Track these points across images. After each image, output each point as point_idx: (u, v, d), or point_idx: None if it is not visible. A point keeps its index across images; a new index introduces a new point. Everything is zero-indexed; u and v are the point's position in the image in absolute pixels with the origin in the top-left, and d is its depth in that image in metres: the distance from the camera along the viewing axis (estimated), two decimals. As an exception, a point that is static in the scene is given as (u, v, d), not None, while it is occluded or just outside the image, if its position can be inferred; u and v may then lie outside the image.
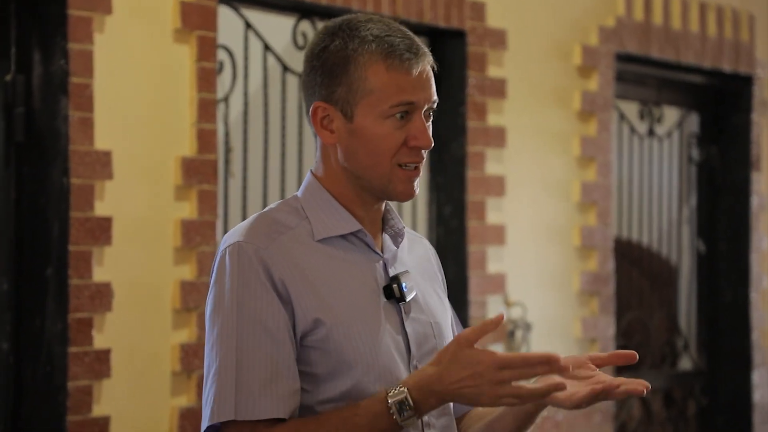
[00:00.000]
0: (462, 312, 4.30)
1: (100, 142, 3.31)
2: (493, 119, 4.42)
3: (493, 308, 4.43)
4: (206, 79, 3.53)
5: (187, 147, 3.50)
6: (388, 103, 1.96)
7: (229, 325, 1.93)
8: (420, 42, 2.02)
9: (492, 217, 4.42)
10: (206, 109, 3.53)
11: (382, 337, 1.97)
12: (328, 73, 1.98)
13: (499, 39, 4.42)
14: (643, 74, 5.17)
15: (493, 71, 4.41)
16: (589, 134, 4.78)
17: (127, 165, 3.36)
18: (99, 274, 3.30)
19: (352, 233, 2.01)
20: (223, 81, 3.73)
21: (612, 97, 4.85)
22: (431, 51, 4.68)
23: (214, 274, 1.98)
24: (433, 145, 2.00)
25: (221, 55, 3.70)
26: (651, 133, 5.33)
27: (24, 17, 3.28)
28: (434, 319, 2.07)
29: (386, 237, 2.06)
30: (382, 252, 2.04)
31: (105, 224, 3.31)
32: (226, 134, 3.77)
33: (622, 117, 5.16)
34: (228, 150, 3.78)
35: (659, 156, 5.40)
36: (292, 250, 1.96)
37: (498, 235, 4.44)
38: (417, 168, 2.00)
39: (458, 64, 4.31)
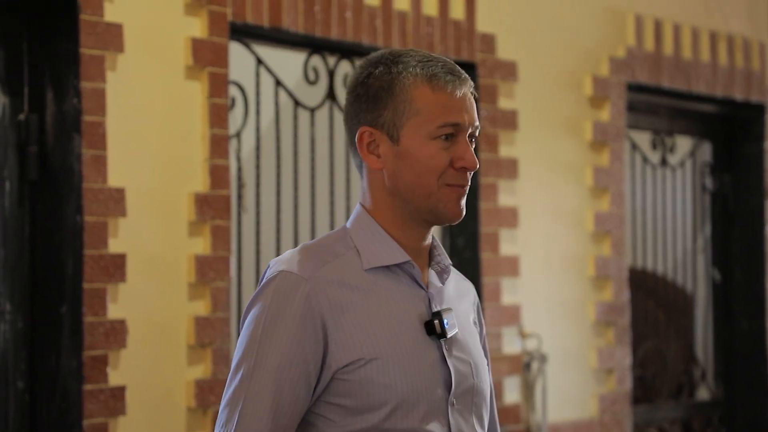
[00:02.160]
0: (477, 344, 4.29)
1: (113, 180, 3.32)
2: (505, 150, 4.42)
3: (509, 340, 4.42)
4: (218, 115, 3.55)
5: (200, 183, 3.52)
6: (434, 124, 1.99)
7: (248, 356, 1.95)
8: (461, 69, 2.05)
9: (505, 248, 4.42)
10: (218, 144, 3.54)
11: (419, 372, 1.98)
12: (373, 98, 2.01)
13: (509, 71, 4.43)
14: (655, 104, 5.18)
15: (504, 103, 4.42)
16: (601, 164, 4.78)
17: (141, 202, 3.37)
18: (113, 311, 3.30)
19: (398, 265, 2.02)
20: (235, 117, 3.75)
21: (624, 127, 4.85)
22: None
23: (252, 298, 2.01)
24: (478, 166, 2.02)
25: (233, 91, 3.72)
26: (664, 162, 5.33)
27: (36, 56, 3.31)
28: (473, 360, 2.07)
29: (432, 273, 2.07)
30: (427, 287, 2.05)
31: (119, 261, 3.32)
32: (239, 170, 3.78)
33: (634, 147, 5.16)
34: (241, 185, 3.80)
35: (672, 185, 5.39)
36: (336, 279, 1.98)
37: (512, 266, 4.43)
38: (464, 187, 2.02)
39: (469, 96, 4.32)
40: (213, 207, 3.52)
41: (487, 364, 2.17)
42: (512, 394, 4.42)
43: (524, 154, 4.49)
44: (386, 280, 2.01)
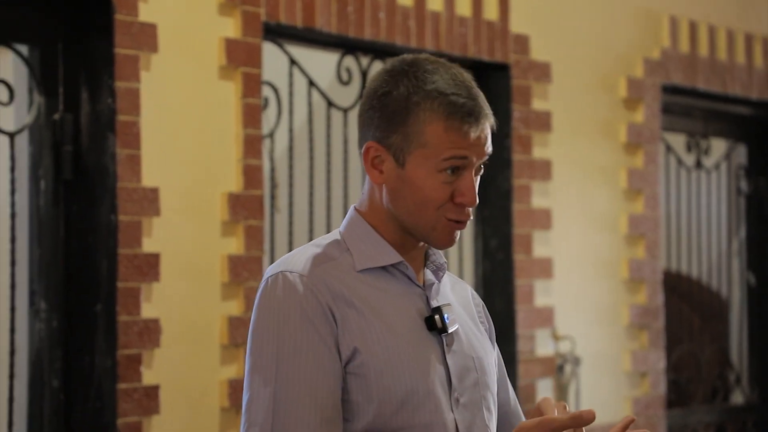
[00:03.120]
0: (510, 346, 4.27)
1: (148, 179, 3.33)
2: (538, 152, 4.41)
3: (542, 342, 4.40)
4: (251, 115, 3.55)
5: (234, 183, 3.52)
6: (441, 157, 1.96)
7: (268, 358, 1.92)
8: (484, 100, 2.00)
9: (539, 250, 4.40)
10: (252, 145, 3.55)
11: (424, 367, 1.96)
12: (386, 118, 1.98)
13: (543, 72, 4.42)
14: (690, 106, 5.15)
15: (537, 104, 4.41)
16: (635, 166, 4.76)
17: (175, 201, 3.38)
18: (147, 311, 3.31)
19: (392, 265, 2.02)
20: (269, 117, 3.75)
21: (658, 129, 4.83)
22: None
23: (256, 305, 1.98)
24: (477, 203, 2.00)
25: (266, 91, 3.72)
26: (698, 165, 5.29)
27: (72, 56, 3.32)
28: (476, 354, 2.06)
29: (427, 271, 2.06)
30: (423, 285, 2.04)
31: (153, 261, 3.32)
32: (272, 170, 3.79)
33: (668, 149, 5.13)
34: (274, 185, 3.80)
35: (707, 188, 5.36)
36: (334, 278, 1.97)
37: (545, 268, 4.41)
38: (461, 222, 2.00)
39: (503, 97, 4.31)
40: (246, 207, 3.53)
41: (496, 359, 2.15)
42: (545, 395, 4.39)
43: (558, 155, 4.47)
44: (382, 280, 2.00)
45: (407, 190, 1.98)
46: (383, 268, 2.01)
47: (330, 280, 1.96)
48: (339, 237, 2.04)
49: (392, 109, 1.98)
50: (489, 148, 2.01)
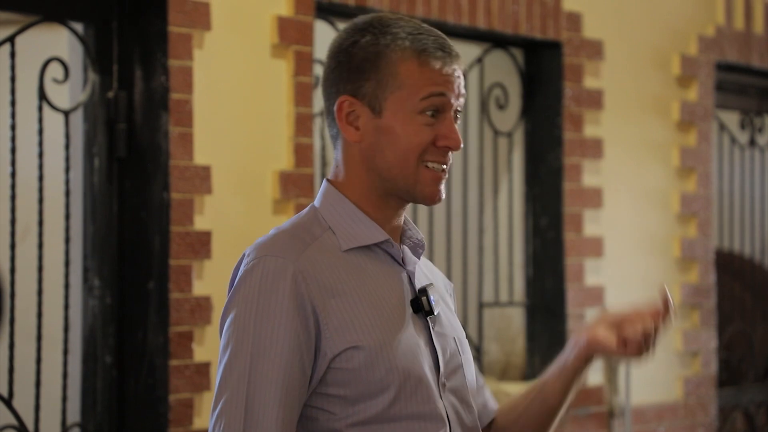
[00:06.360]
0: (560, 325, 4.27)
1: (200, 157, 3.35)
2: (589, 130, 4.38)
3: (592, 321, 4.38)
4: (303, 93, 3.56)
5: (285, 161, 3.53)
6: (419, 96, 1.89)
7: (243, 352, 1.83)
8: (452, 43, 1.96)
9: (589, 229, 4.38)
10: (303, 123, 3.56)
11: (415, 352, 1.89)
12: (355, 69, 1.90)
13: (595, 50, 4.39)
14: (744, 83, 5.10)
15: (589, 82, 4.38)
16: (688, 145, 4.72)
17: (226, 179, 3.40)
18: (199, 288, 3.33)
19: (377, 244, 1.93)
20: (320, 95, 3.75)
21: (712, 106, 4.78)
22: (527, 62, 4.62)
23: (234, 287, 1.89)
24: (461, 146, 1.92)
25: (318, 69, 3.72)
26: (752, 143, 5.24)
27: (126, 34, 3.34)
28: (456, 335, 1.99)
29: (405, 248, 1.97)
30: (404, 263, 1.96)
31: (204, 238, 3.34)
32: (323, 148, 3.79)
33: (722, 127, 5.08)
34: (325, 164, 3.81)
35: (761, 166, 5.31)
36: (320, 263, 1.87)
37: (596, 247, 4.39)
38: (444, 170, 1.92)
39: (554, 75, 4.29)
40: (297, 185, 3.54)
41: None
42: (595, 375, 4.39)
43: (610, 133, 4.45)
44: (366, 260, 1.90)
45: (386, 141, 1.90)
46: (367, 247, 1.92)
47: (317, 266, 1.86)
48: (317, 213, 1.93)
49: (361, 58, 1.90)
50: (464, 93, 1.93)
